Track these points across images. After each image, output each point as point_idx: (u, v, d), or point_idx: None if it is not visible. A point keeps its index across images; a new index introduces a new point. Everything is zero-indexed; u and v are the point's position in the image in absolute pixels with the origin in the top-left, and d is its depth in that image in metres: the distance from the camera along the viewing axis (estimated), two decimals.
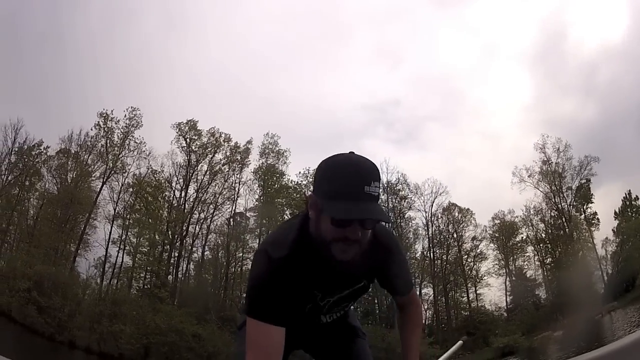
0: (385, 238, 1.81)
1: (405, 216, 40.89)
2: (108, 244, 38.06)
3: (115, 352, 30.60)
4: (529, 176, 39.78)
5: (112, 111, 39.94)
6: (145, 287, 37.71)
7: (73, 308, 32.59)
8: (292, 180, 41.01)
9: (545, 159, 39.42)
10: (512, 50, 65.11)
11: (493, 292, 40.82)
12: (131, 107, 40.09)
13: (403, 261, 1.97)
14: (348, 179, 1.50)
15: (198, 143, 40.31)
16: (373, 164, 1.57)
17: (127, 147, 40.02)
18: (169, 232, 38.95)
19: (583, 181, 39.19)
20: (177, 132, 40.33)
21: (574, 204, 39.32)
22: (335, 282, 1.79)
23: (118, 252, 38.36)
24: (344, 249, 1.55)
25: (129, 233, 38.94)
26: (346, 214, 1.49)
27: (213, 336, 31.90)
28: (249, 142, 40.78)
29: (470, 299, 41.05)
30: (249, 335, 1.62)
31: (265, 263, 1.66)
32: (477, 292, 41.01)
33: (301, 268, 1.68)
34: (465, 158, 58.69)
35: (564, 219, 39.16)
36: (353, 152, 1.59)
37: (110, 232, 38.45)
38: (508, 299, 40.95)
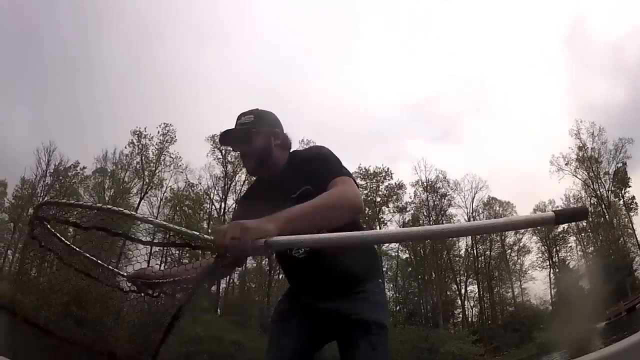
0: (305, 150, 2.19)
1: (447, 213, 40.82)
2: (150, 258, 37.60)
3: None
4: (566, 164, 39.95)
5: (145, 128, 40.49)
6: None
7: (111, 319, 32.33)
8: None
9: (581, 145, 39.57)
10: (541, 39, 66.16)
11: (537, 286, 40.44)
12: (164, 123, 40.67)
13: (323, 156, 2.03)
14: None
15: (234, 154, 40.41)
16: (258, 108, 2.16)
17: (162, 163, 40.37)
18: None
19: (619, 165, 39.19)
20: (211, 145, 40.63)
21: (612, 189, 39.34)
22: (272, 194, 1.98)
23: (160, 266, 37.97)
24: (244, 163, 2.10)
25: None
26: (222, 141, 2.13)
27: (254, 343, 31.38)
28: None
29: (515, 294, 40.63)
30: None
31: (237, 206, 2.54)
32: (522, 286, 40.65)
33: (251, 195, 2.25)
34: (503, 151, 59.16)
35: (603, 206, 39.16)
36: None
37: (151, 247, 38.08)
38: (552, 292, 40.50)
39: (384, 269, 41.17)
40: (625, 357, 1.48)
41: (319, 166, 1.92)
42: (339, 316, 2.03)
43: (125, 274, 1.56)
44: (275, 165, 2.08)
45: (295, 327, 2.13)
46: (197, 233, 1.41)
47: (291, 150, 2.16)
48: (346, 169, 1.95)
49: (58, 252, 1.61)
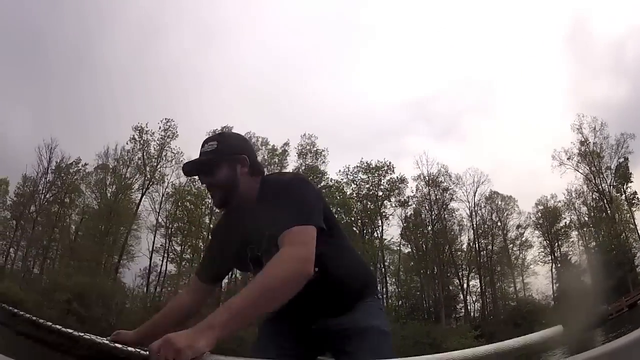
0: (276, 179, 1.92)
1: (448, 207, 40.89)
2: (152, 254, 38.08)
3: None
4: (568, 159, 39.77)
5: (146, 124, 40.70)
6: None
7: (115, 317, 32.69)
8: (331, 179, 41.30)
9: (583, 140, 39.48)
10: (542, 38, 66.05)
11: (540, 281, 40.40)
12: (165, 119, 40.80)
13: (287, 194, 1.75)
14: None
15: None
16: (223, 132, 2.04)
17: (164, 158, 40.47)
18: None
19: (621, 160, 39.08)
20: None
21: (614, 184, 39.21)
22: (247, 229, 1.88)
23: (162, 261, 38.36)
24: (210, 194, 1.91)
25: (172, 241, 38.95)
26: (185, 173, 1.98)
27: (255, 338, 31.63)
28: (286, 144, 41.16)
29: (517, 288, 40.65)
30: None
31: (211, 235, 2.14)
32: (524, 281, 40.63)
33: (225, 226, 2.03)
34: (505, 147, 58.93)
35: (605, 201, 39.09)
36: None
37: (153, 242, 38.44)
38: (554, 287, 40.47)
39: (386, 263, 41.26)
40: (627, 353, 1.46)
41: (280, 209, 1.68)
42: (336, 330, 1.92)
43: (102, 341, 1.49)
44: (245, 196, 1.87)
45: (284, 342, 1.99)
46: (133, 349, 1.38)
47: (265, 174, 1.96)
48: (309, 208, 1.71)
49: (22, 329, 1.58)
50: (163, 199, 39.63)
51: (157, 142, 40.47)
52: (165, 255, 38.62)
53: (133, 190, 39.93)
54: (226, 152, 1.86)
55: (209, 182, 1.86)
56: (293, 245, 1.57)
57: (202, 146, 1.88)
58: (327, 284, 1.79)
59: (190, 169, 1.93)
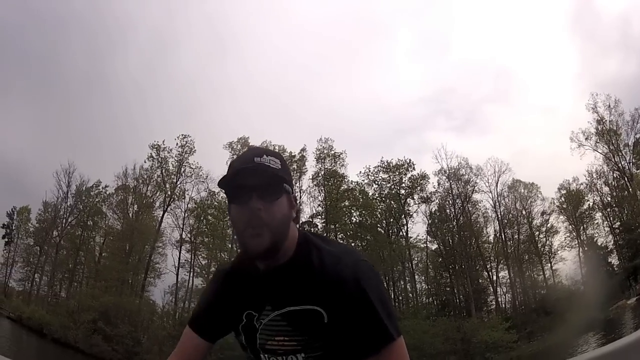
0: (330, 253, 1.35)
1: (472, 200, 40.71)
2: (178, 269, 38.09)
3: None
4: (586, 139, 39.63)
5: (163, 141, 40.82)
6: None
7: (141, 334, 33.00)
8: (352, 181, 41.26)
9: (599, 118, 39.41)
10: (550, 17, 66.87)
11: (568, 266, 40.16)
12: (182, 135, 40.96)
13: (363, 296, 1.27)
14: (238, 157, 1.40)
15: None
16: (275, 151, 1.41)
17: (183, 174, 40.54)
18: (238, 250, 38.79)
19: (638, 136, 38.85)
20: (230, 152, 40.73)
21: (633, 160, 38.98)
22: (264, 294, 1.42)
23: (189, 276, 38.32)
24: (253, 233, 1.28)
25: (197, 255, 38.94)
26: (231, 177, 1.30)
27: None
28: (303, 149, 41.20)
29: (546, 276, 40.34)
30: None
31: (211, 278, 1.69)
32: (553, 268, 40.34)
33: (235, 281, 1.51)
34: (524, 135, 59.64)
35: (626, 179, 39.03)
36: None
37: (179, 258, 38.47)
38: (582, 271, 40.18)
39: (414, 261, 41.00)
40: (627, 354, 1.54)
41: (360, 316, 1.25)
42: None
43: None
44: (284, 251, 1.35)
45: None
46: None
47: (300, 229, 1.44)
48: (393, 313, 1.31)
49: None
50: (185, 214, 39.65)
51: (175, 158, 40.73)
52: (191, 270, 38.56)
53: (155, 208, 40.01)
54: (288, 180, 1.35)
55: (260, 212, 1.27)
56: None
57: (260, 155, 1.31)
58: None
59: (253, 180, 1.28)
